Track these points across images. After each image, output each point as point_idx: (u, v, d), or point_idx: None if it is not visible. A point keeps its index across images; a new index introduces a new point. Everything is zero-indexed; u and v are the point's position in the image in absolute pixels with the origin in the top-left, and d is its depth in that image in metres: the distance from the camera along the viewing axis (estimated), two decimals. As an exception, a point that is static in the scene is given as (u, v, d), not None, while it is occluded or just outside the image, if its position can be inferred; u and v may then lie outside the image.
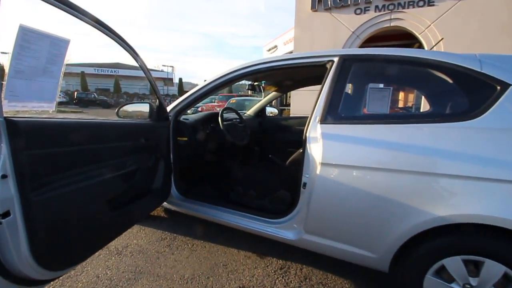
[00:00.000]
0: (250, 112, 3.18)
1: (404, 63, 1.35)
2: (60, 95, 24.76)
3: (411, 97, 5.80)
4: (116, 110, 1.77)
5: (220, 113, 2.16)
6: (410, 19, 6.40)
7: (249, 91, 2.53)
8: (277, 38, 18.61)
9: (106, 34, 1.23)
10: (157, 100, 1.73)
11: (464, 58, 1.25)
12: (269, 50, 19.52)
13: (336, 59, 1.51)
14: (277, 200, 1.80)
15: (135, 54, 1.43)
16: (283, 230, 1.61)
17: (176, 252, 1.86)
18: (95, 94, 24.85)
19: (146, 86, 29.86)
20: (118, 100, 26.53)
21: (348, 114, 1.46)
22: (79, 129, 1.12)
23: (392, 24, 6.62)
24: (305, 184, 1.49)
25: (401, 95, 6.36)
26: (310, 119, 1.49)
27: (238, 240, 2.00)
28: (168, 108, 1.96)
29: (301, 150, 1.66)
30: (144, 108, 1.87)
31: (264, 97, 3.18)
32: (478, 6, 5.68)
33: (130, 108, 1.89)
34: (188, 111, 2.35)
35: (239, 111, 2.61)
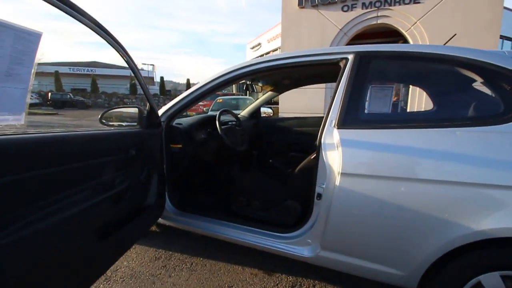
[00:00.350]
0: (244, 113, 3.00)
1: (429, 61, 1.23)
2: (32, 96, 23.32)
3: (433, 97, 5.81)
4: (99, 116, 1.53)
5: (217, 116, 1.97)
6: (397, 16, 6.44)
7: (246, 90, 2.34)
8: (261, 35, 18.53)
9: (96, 32, 1.04)
10: (148, 103, 1.52)
11: (495, 55, 1.15)
12: (253, 48, 19.36)
13: (351, 57, 1.37)
14: (285, 212, 1.65)
15: (125, 52, 1.23)
16: (296, 246, 1.45)
17: (173, 274, 1.66)
18: (70, 94, 23.50)
19: (125, 85, 28.66)
20: (96, 100, 25.32)
21: (369, 118, 1.33)
22: (54, 145, 0.90)
23: (379, 21, 6.64)
24: (320, 195, 1.35)
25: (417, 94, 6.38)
26: (324, 123, 1.35)
27: (241, 255, 1.83)
28: (160, 112, 1.75)
29: (312, 157, 1.52)
30: (132, 113, 1.65)
31: (258, 97, 3.01)
32: (462, 4, 5.79)
33: (115, 113, 1.66)
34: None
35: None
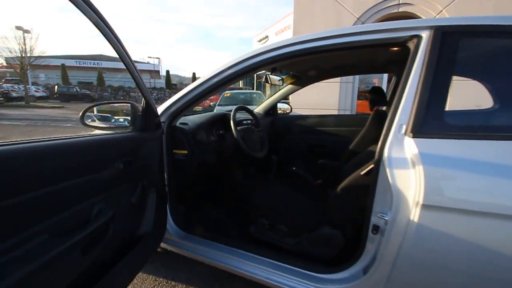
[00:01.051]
0: (259, 109, 2.61)
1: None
2: (39, 89, 23.24)
3: None
4: (80, 114, 1.17)
5: (232, 115, 1.58)
6: (420, 4, 5.90)
7: (266, 82, 1.94)
8: (268, 28, 18.03)
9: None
10: (143, 99, 1.14)
11: None
12: (260, 40, 18.84)
13: (426, 34, 0.96)
14: (321, 242, 1.26)
15: (116, 38, 0.88)
16: (343, 296, 1.07)
17: (177, 317, 1.31)
18: (77, 87, 23.40)
19: (131, 78, 28.38)
20: (102, 94, 25.20)
21: (468, 123, 0.92)
22: None
23: (401, 9, 6.11)
24: (377, 227, 0.97)
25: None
26: (388, 129, 0.95)
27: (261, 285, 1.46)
28: (160, 110, 1.37)
29: (362, 173, 1.13)
30: (124, 109, 1.28)
31: (269, 92, 2.61)
32: (496, -11, 5.23)
33: (102, 111, 1.29)
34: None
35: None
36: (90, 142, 0.85)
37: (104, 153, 0.91)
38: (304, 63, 1.79)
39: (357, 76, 7.39)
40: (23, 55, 16.87)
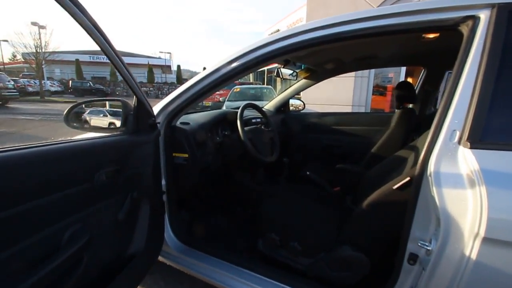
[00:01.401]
0: (269, 106, 2.42)
1: None
2: (54, 83, 23.78)
3: None
4: (65, 113, 1.02)
5: (239, 114, 1.40)
6: (445, -8, 5.49)
7: (277, 76, 1.75)
8: (280, 21, 17.71)
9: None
10: (134, 97, 0.98)
11: None
12: (271, 34, 18.49)
13: (485, 14, 0.75)
14: (341, 264, 1.08)
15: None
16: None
17: None
18: (90, 82, 23.81)
19: (143, 73, 28.65)
20: (115, 88, 25.54)
21: None
22: None
23: (423, -2, 5.72)
24: (415, 257, 0.79)
25: None
26: (434, 135, 0.75)
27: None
28: (156, 109, 1.21)
29: (395, 187, 0.93)
30: (115, 107, 1.12)
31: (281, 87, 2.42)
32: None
33: (91, 108, 1.14)
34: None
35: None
36: (75, 146, 0.69)
37: (80, 163, 0.75)
38: (322, 54, 1.58)
39: (372, 70, 7.04)
40: (38, 51, 17.21)
